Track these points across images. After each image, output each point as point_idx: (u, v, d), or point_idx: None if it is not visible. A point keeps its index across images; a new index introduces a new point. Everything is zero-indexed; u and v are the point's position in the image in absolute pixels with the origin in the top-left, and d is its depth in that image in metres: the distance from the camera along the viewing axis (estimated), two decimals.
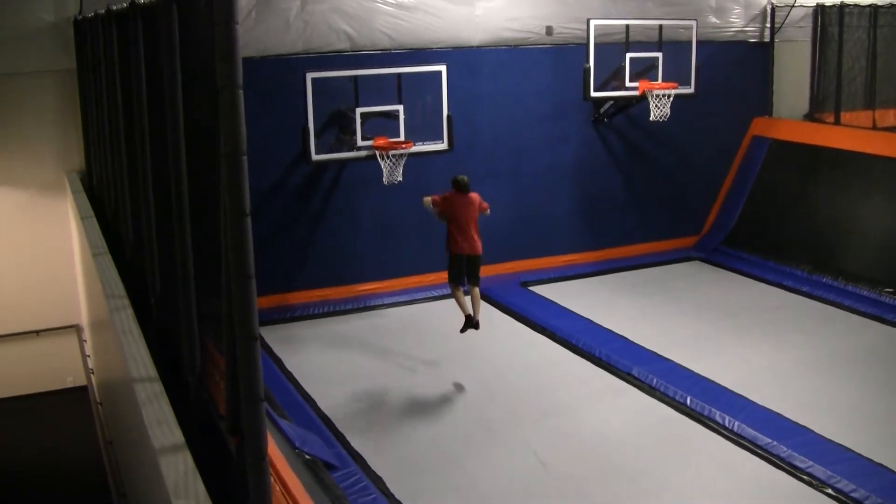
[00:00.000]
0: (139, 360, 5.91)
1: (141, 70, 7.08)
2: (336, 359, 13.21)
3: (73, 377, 14.73)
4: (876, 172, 16.08)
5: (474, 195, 12.35)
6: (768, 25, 18.71)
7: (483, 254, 15.48)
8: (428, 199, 12.35)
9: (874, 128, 17.14)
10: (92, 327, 12.35)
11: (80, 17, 13.19)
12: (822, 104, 18.31)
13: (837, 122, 17.73)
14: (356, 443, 10.43)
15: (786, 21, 18.63)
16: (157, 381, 5.57)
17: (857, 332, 13.90)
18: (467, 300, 12.42)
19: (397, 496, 9.29)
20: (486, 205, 12.50)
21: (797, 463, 9.80)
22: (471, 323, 12.31)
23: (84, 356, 14.03)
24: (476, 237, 12.27)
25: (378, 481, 9.57)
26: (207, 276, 5.02)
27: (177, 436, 4.76)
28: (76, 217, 12.08)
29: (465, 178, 12.31)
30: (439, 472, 9.93)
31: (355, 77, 14.01)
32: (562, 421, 11.10)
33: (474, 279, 12.39)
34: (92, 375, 13.49)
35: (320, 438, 10.35)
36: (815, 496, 9.31)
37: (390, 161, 14.13)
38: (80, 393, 14.39)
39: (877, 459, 9.79)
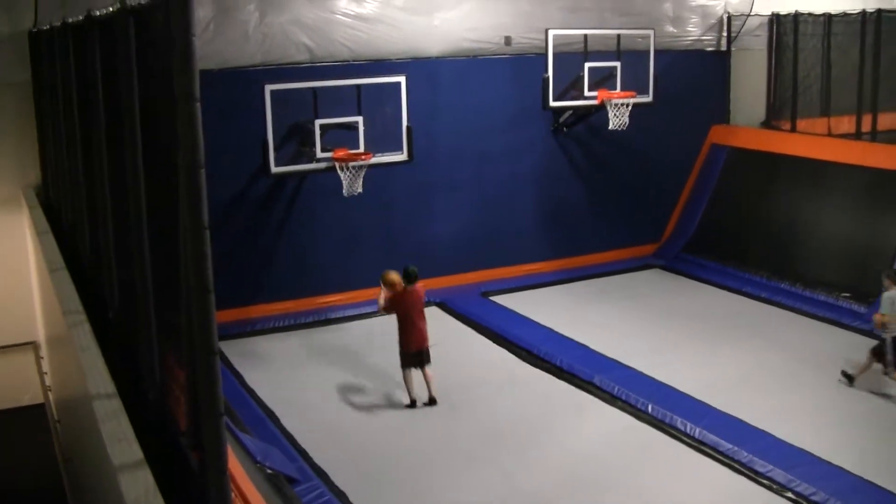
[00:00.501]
0: (98, 377, 5.83)
1: (98, 83, 7.01)
2: (298, 373, 13.14)
3: (30, 395, 14.52)
4: (832, 178, 16.27)
5: (420, 286, 12.10)
6: (725, 34, 18.91)
7: (444, 263, 15.58)
8: (381, 301, 12.08)
9: (830, 134, 17.33)
10: (49, 344, 12.19)
11: (35, 30, 13.05)
12: (779, 112, 18.51)
13: (794, 129, 17.93)
14: (318, 457, 10.38)
15: (742, 30, 18.84)
16: (116, 397, 5.50)
17: (815, 337, 14.04)
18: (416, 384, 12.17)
19: None
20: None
21: (758, 468, 9.89)
22: (414, 405, 12.04)
23: (41, 373, 13.83)
24: (424, 328, 12.05)
25: (341, 496, 9.53)
26: (166, 290, 4.97)
27: (136, 452, 4.70)
28: (33, 232, 11.93)
29: (415, 268, 12.05)
30: (403, 485, 9.90)
31: (314, 89, 13.98)
32: (525, 433, 11.11)
33: (427, 363, 12.13)
34: (49, 393, 13.31)
35: (282, 453, 10.28)
36: (775, 500, 9.40)
37: (350, 172, 14.10)
38: (37, 411, 14.18)
39: (836, 462, 9.90)
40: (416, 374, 12.02)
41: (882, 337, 11.80)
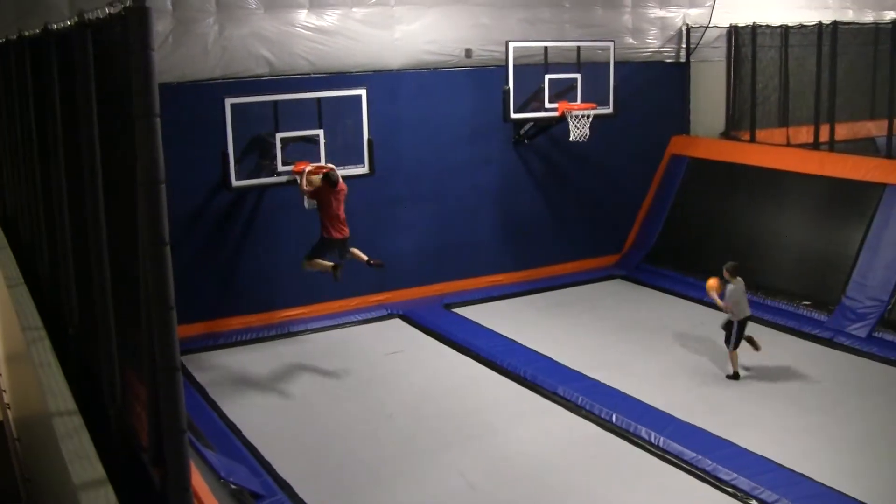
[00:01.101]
0: (57, 394, 5.77)
1: (55, 97, 6.96)
2: (261, 386, 13.07)
3: None
4: (791, 188, 16.44)
5: (342, 185, 13.04)
6: (684, 46, 19.07)
7: (406, 276, 15.58)
8: (304, 186, 13.21)
9: (788, 144, 17.53)
10: (7, 361, 12.04)
11: None
12: (738, 122, 18.70)
13: (753, 139, 18.11)
14: (283, 470, 10.32)
15: (701, 41, 19.03)
16: (77, 414, 5.45)
17: (776, 346, 14.12)
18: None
19: None
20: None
21: (722, 476, 9.94)
22: (337, 270, 13.12)
23: None
24: (344, 220, 13.06)
25: None
26: (127, 306, 4.93)
27: (98, 470, 4.65)
28: None
29: (336, 174, 13.05)
30: (368, 496, 9.87)
31: (275, 102, 13.94)
32: (489, 442, 11.11)
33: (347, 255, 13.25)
34: (8, 410, 13.13)
35: (246, 467, 10.22)
36: None
37: None
38: None
39: (798, 470, 9.98)
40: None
41: (729, 319, 13.07)
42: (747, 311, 13.04)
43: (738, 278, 13.06)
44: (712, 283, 13.23)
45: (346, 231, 13.09)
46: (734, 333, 12.94)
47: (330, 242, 13.03)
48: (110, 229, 5.38)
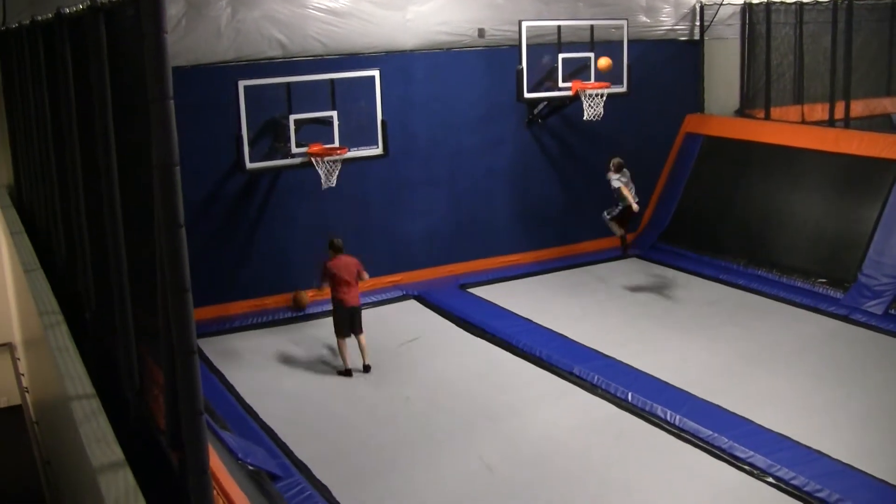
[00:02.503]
0: (75, 378, 5.80)
1: (69, 82, 6.96)
2: (277, 369, 13.11)
3: (6, 397, 14.43)
4: (806, 165, 16.36)
5: (349, 257, 12.88)
6: (698, 24, 18.96)
7: (421, 257, 15.62)
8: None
9: (803, 122, 17.42)
10: (25, 345, 12.12)
11: (4, 29, 12.93)
12: (753, 100, 18.60)
13: (768, 117, 18.02)
14: (300, 452, 10.36)
15: (715, 19, 18.90)
16: (95, 397, 5.47)
17: (792, 323, 14.11)
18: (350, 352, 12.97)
19: None
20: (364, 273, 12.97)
21: (738, 453, 9.93)
22: (350, 374, 12.77)
23: (18, 375, 13.74)
24: (355, 290, 12.81)
25: (323, 490, 9.52)
26: (143, 289, 4.94)
27: (116, 453, 4.68)
28: (6, 233, 11.84)
29: (339, 240, 12.88)
30: (385, 479, 9.89)
31: (288, 84, 13.94)
32: (506, 423, 11.12)
33: (359, 330, 12.91)
34: (27, 394, 13.23)
35: (263, 449, 10.26)
36: (756, 485, 9.46)
37: (326, 167, 14.07)
38: (14, 413, 14.09)
39: (815, 447, 9.97)
40: (350, 342, 12.83)
41: (617, 204, 15.40)
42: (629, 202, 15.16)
43: (624, 170, 15.31)
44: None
45: (357, 301, 12.85)
46: (617, 212, 15.46)
47: (342, 317, 12.80)
48: (126, 213, 5.39)
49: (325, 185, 14.11)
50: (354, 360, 12.79)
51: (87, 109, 6.11)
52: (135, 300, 5.41)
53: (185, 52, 14.08)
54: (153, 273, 4.37)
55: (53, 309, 7.48)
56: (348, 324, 12.74)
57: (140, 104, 4.22)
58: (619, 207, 15.36)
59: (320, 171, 14.04)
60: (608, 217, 15.59)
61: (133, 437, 5.37)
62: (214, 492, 5.68)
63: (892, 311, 13.90)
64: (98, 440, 4.85)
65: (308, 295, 14.51)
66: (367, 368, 12.83)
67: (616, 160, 15.29)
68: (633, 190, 15.22)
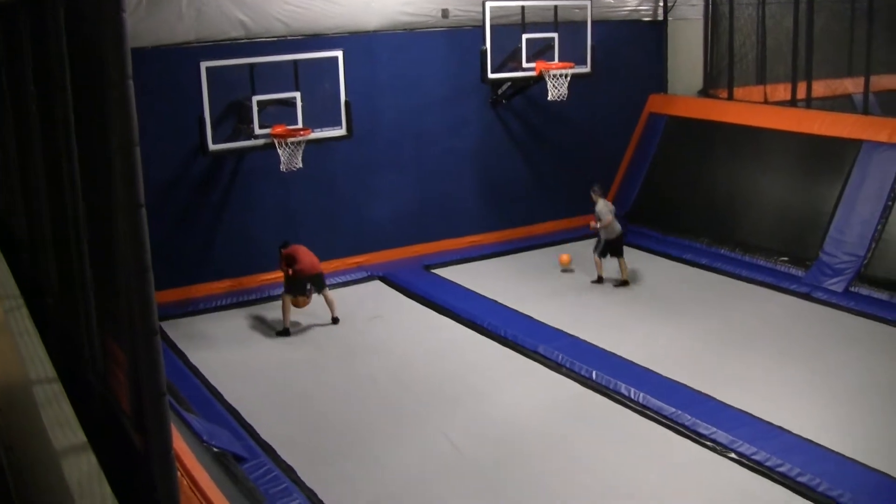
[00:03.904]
0: (37, 361, 5.77)
1: (28, 63, 6.90)
2: (242, 351, 13.08)
3: None
4: (769, 145, 16.47)
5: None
6: (661, 4, 19.00)
7: (385, 238, 15.65)
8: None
9: (766, 102, 17.55)
10: None
11: None
12: (716, 80, 18.69)
13: (731, 97, 18.12)
14: (265, 434, 10.35)
15: (678, 0, 18.94)
16: (57, 381, 5.45)
17: (755, 302, 14.25)
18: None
19: (309, 485, 9.25)
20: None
21: (701, 430, 10.04)
22: (288, 333, 13.49)
23: None
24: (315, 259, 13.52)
25: (289, 471, 9.52)
26: (105, 272, 4.92)
27: (79, 436, 4.67)
28: None
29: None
30: (351, 459, 9.91)
31: (251, 65, 13.86)
32: (471, 402, 11.17)
33: (324, 287, 13.81)
34: None
35: (229, 431, 10.24)
36: (718, 460, 9.57)
37: (289, 149, 14.02)
38: None
39: (776, 423, 10.09)
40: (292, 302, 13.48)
41: (599, 237, 15.28)
42: (616, 232, 15.12)
43: (602, 199, 15.26)
44: (565, 258, 16.01)
45: (319, 268, 13.58)
46: (600, 243, 15.15)
47: (302, 281, 13.45)
48: (87, 195, 5.36)
49: (285, 168, 14.06)
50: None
51: (46, 91, 6.06)
52: (97, 282, 5.38)
53: (145, 33, 13.93)
54: (114, 255, 4.35)
55: (14, 293, 7.43)
56: (301, 288, 13.40)
57: (100, 85, 4.19)
58: (604, 239, 15.17)
59: (281, 154, 13.99)
60: (596, 254, 15.32)
61: (96, 420, 5.35)
62: (179, 474, 5.68)
63: (853, 289, 14.06)
64: (61, 424, 4.83)
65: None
66: (335, 321, 13.67)
67: (599, 187, 15.51)
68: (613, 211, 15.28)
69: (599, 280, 15.26)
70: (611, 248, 15.17)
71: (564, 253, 16.13)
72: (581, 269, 15.88)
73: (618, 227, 15.20)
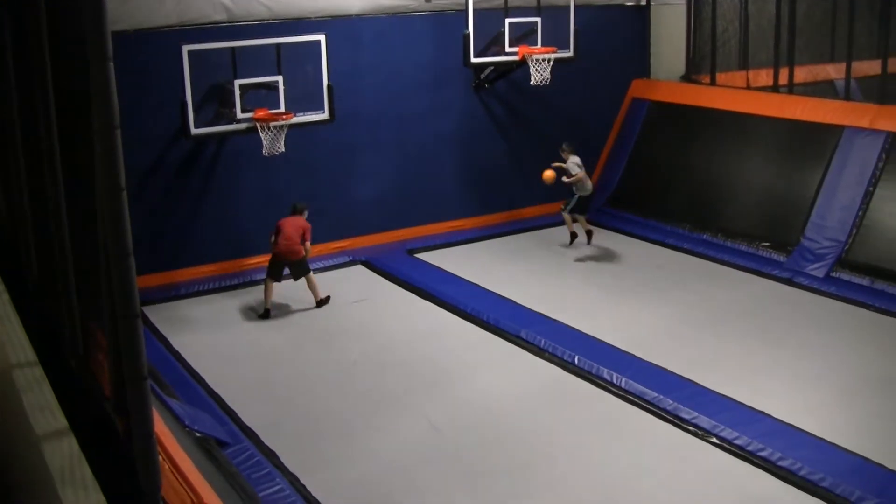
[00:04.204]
0: (17, 345, 5.73)
1: (6, 45, 6.83)
2: (224, 335, 13.06)
3: None
4: (751, 130, 16.53)
5: (300, 218, 13.62)
6: None
7: (368, 222, 15.63)
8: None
9: (748, 87, 17.58)
10: None
11: None
12: (699, 65, 18.72)
13: (713, 82, 18.15)
14: (248, 418, 10.35)
15: None
16: (37, 365, 5.41)
17: (736, 287, 14.31)
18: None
19: (291, 469, 9.26)
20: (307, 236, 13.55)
21: (683, 415, 10.09)
22: (268, 315, 13.57)
23: None
24: (294, 242, 13.35)
25: (271, 455, 9.52)
26: (86, 255, 4.89)
27: (60, 421, 4.64)
28: None
29: (301, 204, 13.78)
30: (333, 442, 9.92)
31: (233, 49, 13.79)
32: (453, 386, 11.19)
33: (306, 272, 13.75)
34: None
35: (211, 416, 10.23)
36: (700, 445, 9.62)
37: (271, 133, 13.98)
38: None
39: (757, 407, 10.15)
40: (273, 286, 13.59)
41: (574, 193, 15.61)
42: (589, 189, 15.58)
43: (572, 155, 15.56)
44: (549, 174, 15.49)
45: (295, 253, 13.42)
46: (573, 200, 15.53)
47: (274, 261, 13.59)
48: (67, 178, 5.32)
49: (267, 152, 14.02)
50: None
51: (26, 72, 6.01)
52: (77, 266, 5.35)
53: (126, 16, 13.83)
54: (95, 238, 4.32)
55: None
56: (279, 271, 13.48)
57: (80, 67, 4.16)
58: (576, 197, 15.61)
59: (264, 138, 13.94)
60: (566, 212, 15.85)
61: (78, 404, 5.33)
62: (161, 459, 5.66)
63: (834, 274, 14.14)
64: (41, 408, 4.80)
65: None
66: (319, 303, 13.78)
67: (569, 144, 15.82)
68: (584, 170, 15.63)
69: (573, 238, 16.00)
70: (582, 205, 15.66)
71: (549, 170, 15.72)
72: (559, 246, 15.92)
73: (590, 183, 15.72)
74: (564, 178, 15.38)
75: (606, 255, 15.99)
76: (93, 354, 5.15)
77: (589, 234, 15.92)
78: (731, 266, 15.17)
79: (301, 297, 13.85)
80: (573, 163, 15.50)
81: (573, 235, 15.97)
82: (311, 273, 13.81)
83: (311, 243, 13.60)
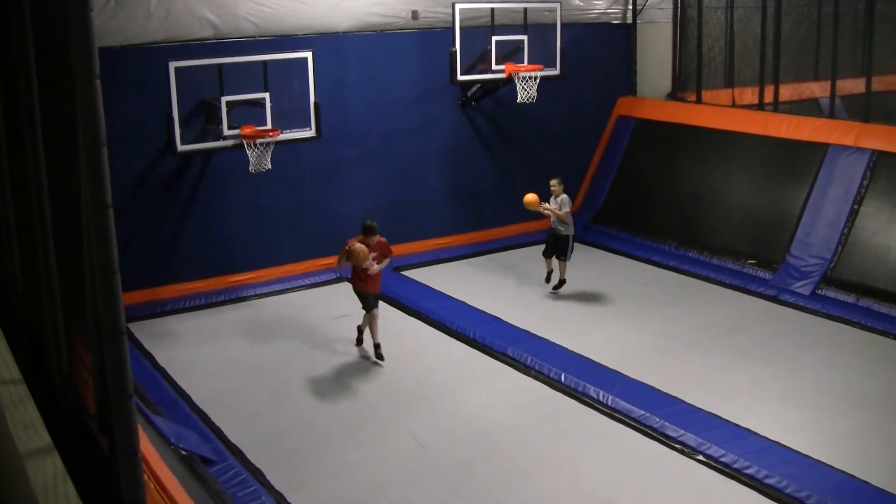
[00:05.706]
0: (1, 363, 5.70)
1: None
2: (210, 352, 13.01)
3: None
4: (736, 148, 16.60)
5: (377, 239, 12.52)
6: (631, 7, 19.09)
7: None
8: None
9: (733, 105, 17.68)
10: None
11: None
12: (685, 83, 18.81)
13: (699, 100, 18.24)
14: (233, 436, 10.30)
15: (647, 3, 19.06)
16: (22, 383, 5.39)
17: (722, 304, 14.34)
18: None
19: (277, 487, 9.22)
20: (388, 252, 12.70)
21: (669, 432, 10.08)
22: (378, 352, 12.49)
23: None
24: (369, 276, 12.41)
25: (257, 473, 9.47)
26: (71, 272, 4.87)
27: (44, 438, 4.61)
28: None
29: (371, 222, 12.56)
30: (319, 460, 9.88)
31: (220, 65, 13.79)
32: (440, 403, 11.17)
33: (373, 307, 12.45)
34: None
35: (196, 433, 10.18)
36: (687, 462, 9.61)
37: (258, 149, 13.97)
38: None
39: (744, 425, 10.15)
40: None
41: (559, 235, 14.69)
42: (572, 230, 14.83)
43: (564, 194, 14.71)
44: (532, 197, 14.77)
45: (368, 287, 12.45)
46: (570, 246, 14.67)
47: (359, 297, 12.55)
48: (53, 194, 5.31)
49: (254, 169, 14.01)
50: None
51: (12, 89, 6.00)
52: (63, 282, 5.33)
53: (113, 32, 13.84)
54: (81, 255, 4.31)
55: None
56: (362, 302, 12.48)
57: (67, 84, 4.15)
58: (572, 238, 14.85)
59: (250, 155, 13.93)
60: (570, 259, 14.88)
61: (62, 422, 5.30)
62: (145, 477, 5.63)
63: (820, 292, 14.17)
64: (25, 426, 4.77)
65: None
66: (375, 348, 12.52)
67: (559, 178, 14.85)
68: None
69: (550, 276, 14.93)
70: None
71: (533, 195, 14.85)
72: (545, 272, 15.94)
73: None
74: (560, 213, 14.54)
75: (593, 273, 15.98)
76: (78, 372, 5.14)
77: (562, 282, 14.91)
78: (717, 283, 15.19)
79: (283, 315, 13.80)
80: (566, 201, 14.62)
81: (551, 273, 14.94)
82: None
83: (298, 260, 13.48)
